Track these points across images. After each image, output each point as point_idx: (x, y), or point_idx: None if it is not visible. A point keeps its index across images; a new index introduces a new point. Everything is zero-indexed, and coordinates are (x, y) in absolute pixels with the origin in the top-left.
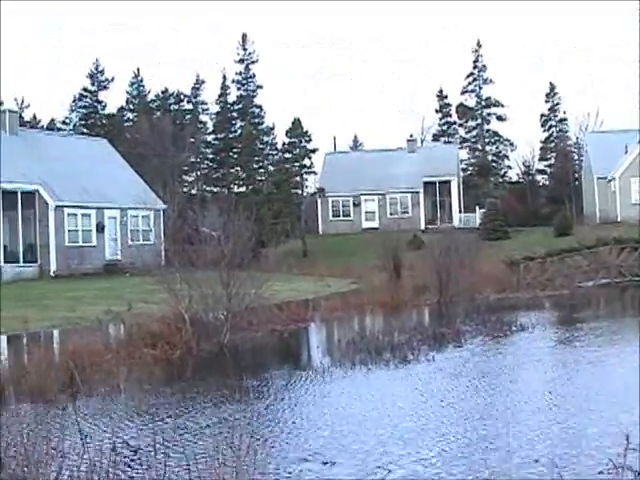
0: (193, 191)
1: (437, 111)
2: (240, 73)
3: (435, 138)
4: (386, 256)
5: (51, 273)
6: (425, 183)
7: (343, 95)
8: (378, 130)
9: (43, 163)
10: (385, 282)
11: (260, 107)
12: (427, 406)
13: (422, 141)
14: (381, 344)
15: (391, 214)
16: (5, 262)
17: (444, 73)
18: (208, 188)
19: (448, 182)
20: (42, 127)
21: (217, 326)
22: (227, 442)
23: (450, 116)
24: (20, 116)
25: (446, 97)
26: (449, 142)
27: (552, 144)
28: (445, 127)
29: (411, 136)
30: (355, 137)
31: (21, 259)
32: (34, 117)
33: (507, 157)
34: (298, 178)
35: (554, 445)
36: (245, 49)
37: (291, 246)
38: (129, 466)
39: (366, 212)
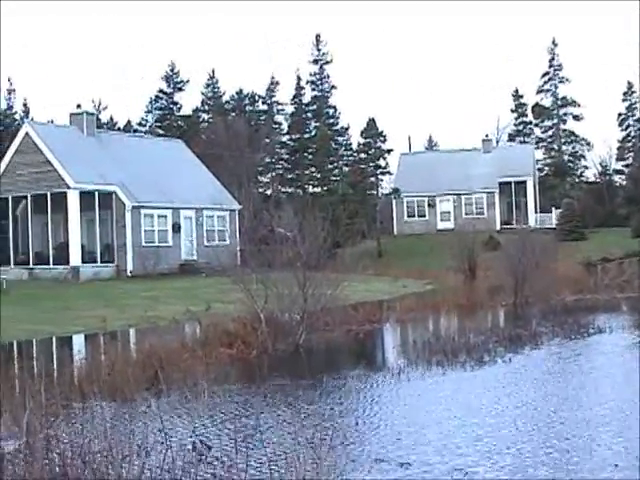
0: (268, 192)
1: (512, 111)
2: (314, 74)
3: (511, 138)
4: (461, 257)
5: (128, 273)
6: (501, 183)
7: (418, 95)
8: (453, 130)
9: (120, 164)
10: (460, 283)
11: (335, 107)
12: (504, 408)
13: (497, 141)
14: (457, 345)
15: (466, 214)
16: (83, 262)
17: (520, 72)
18: (283, 189)
19: (524, 182)
20: (119, 129)
21: (293, 326)
22: (307, 441)
23: (526, 116)
24: (97, 118)
25: (522, 97)
26: (525, 142)
27: (630, 143)
28: (521, 127)
29: (486, 136)
30: (430, 137)
31: (99, 259)
32: (111, 119)
33: (584, 157)
34: (373, 178)
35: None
36: (319, 49)
37: (366, 246)
38: (210, 464)
39: (441, 212)
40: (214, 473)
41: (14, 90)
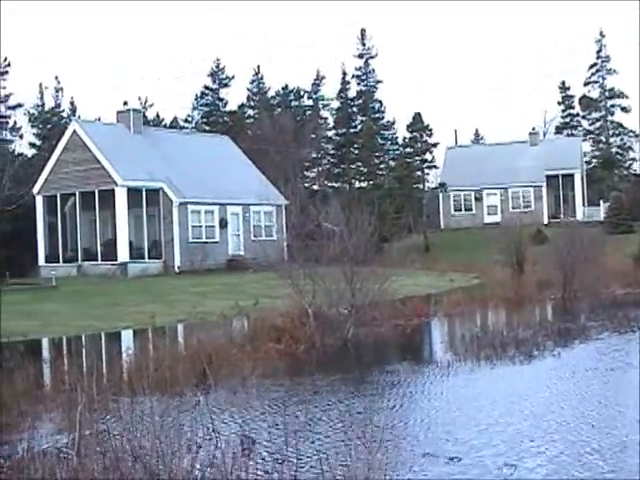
0: (315, 187)
1: (560, 103)
2: (360, 68)
3: (558, 131)
4: (509, 251)
5: (175, 269)
6: (548, 176)
7: (464, 88)
8: (500, 123)
9: (167, 161)
10: (508, 277)
11: (380, 102)
12: (553, 403)
13: (545, 134)
14: (505, 339)
15: (513, 208)
16: (131, 258)
17: (567, 64)
18: (329, 184)
19: (571, 175)
20: (165, 126)
21: (340, 321)
22: (357, 436)
23: (573, 108)
24: (144, 115)
25: (569, 89)
26: (572, 135)
27: None
28: (568, 119)
29: (533, 129)
30: (476, 131)
31: (146, 255)
32: (157, 116)
33: (632, 149)
34: (419, 172)
35: None
36: (364, 44)
37: (413, 241)
38: (261, 459)
39: (488, 206)
40: (265, 468)
41: (62, 89)
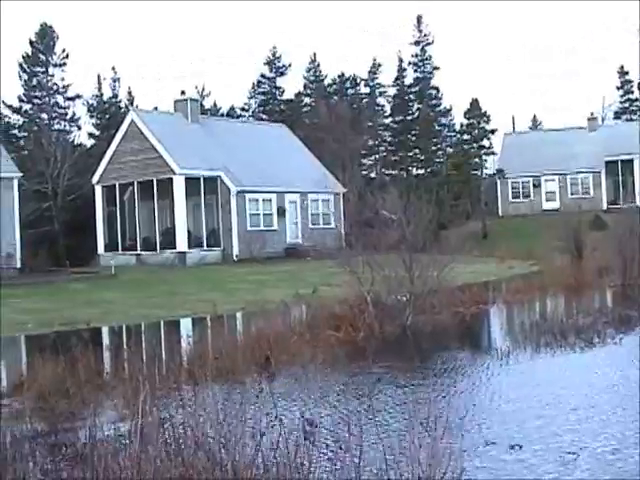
0: (372, 174)
1: (618, 88)
2: (416, 55)
3: (616, 116)
4: (567, 237)
5: (234, 257)
6: (607, 162)
7: (521, 74)
8: (558, 109)
9: (224, 149)
10: (567, 264)
11: (437, 89)
12: (615, 390)
13: (603, 119)
14: (565, 327)
15: (572, 194)
16: (189, 247)
17: (625, 49)
18: (387, 171)
19: (631, 161)
20: (222, 114)
21: (399, 308)
22: (420, 424)
23: (632, 93)
24: (201, 104)
25: (627, 73)
26: (631, 120)
27: None
28: (627, 104)
29: (592, 114)
30: (534, 117)
31: (205, 244)
32: (214, 105)
33: None
34: (477, 159)
35: None
36: (420, 31)
37: (471, 228)
38: (324, 446)
39: (546, 193)
40: (328, 456)
41: (119, 79)
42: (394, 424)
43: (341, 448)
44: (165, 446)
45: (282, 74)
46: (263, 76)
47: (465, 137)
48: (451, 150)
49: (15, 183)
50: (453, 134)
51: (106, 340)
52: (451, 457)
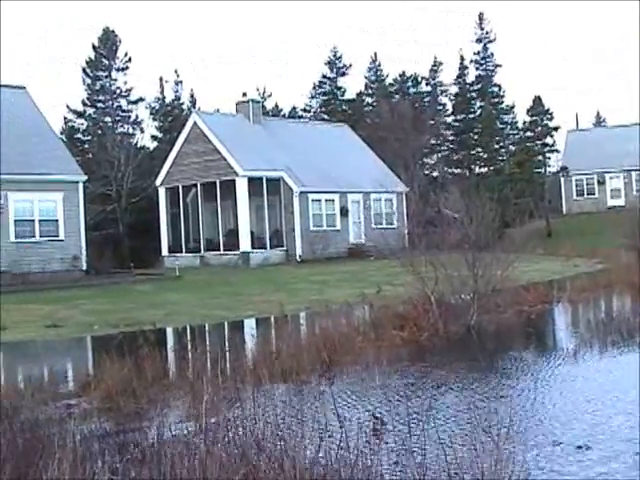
0: (434, 173)
1: None
2: (478, 52)
3: None
4: (633, 234)
5: (297, 257)
6: None
7: (584, 71)
8: (621, 105)
9: (286, 150)
10: (633, 261)
11: (499, 86)
12: None
13: None
14: (632, 325)
15: (637, 191)
16: (253, 248)
17: None
18: (449, 170)
19: None
20: (284, 115)
21: (463, 308)
22: (483, 424)
23: None
24: (263, 105)
25: None
26: None
27: None
28: None
29: None
30: (597, 113)
31: (268, 244)
32: (276, 106)
33: None
34: (540, 157)
35: None
36: (482, 28)
37: (535, 226)
38: (387, 447)
39: (611, 190)
40: (390, 456)
41: (181, 81)
42: (457, 424)
43: (405, 450)
44: (230, 446)
45: (343, 74)
46: (324, 76)
47: (528, 135)
48: (514, 148)
49: (80, 186)
50: (516, 132)
51: (171, 341)
52: (515, 460)
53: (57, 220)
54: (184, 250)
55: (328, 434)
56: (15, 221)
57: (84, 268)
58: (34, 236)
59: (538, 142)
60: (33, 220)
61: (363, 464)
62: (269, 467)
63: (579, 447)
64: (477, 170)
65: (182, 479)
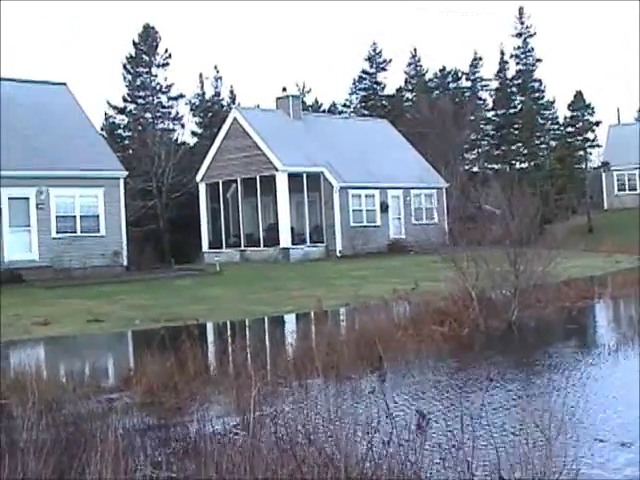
0: (475, 169)
1: None
2: (518, 47)
3: None
4: None
5: (337, 253)
6: None
7: (626, 64)
8: None
9: (326, 146)
10: None
11: (540, 81)
12: None
13: None
14: None
15: None
16: (293, 243)
17: None
18: (489, 165)
19: None
20: (324, 111)
21: (504, 303)
22: (533, 421)
23: None
24: (302, 101)
25: None
26: None
27: None
28: None
29: None
30: None
31: (308, 240)
32: (316, 101)
33: None
34: (581, 152)
35: None
36: (522, 22)
37: (576, 222)
38: (439, 445)
39: None
40: (441, 454)
41: (221, 77)
42: (506, 421)
43: (454, 446)
44: (276, 442)
45: (383, 69)
46: (364, 72)
47: (569, 130)
48: (555, 143)
49: (121, 182)
50: (556, 127)
51: (212, 336)
52: (566, 457)
53: (98, 216)
54: (224, 245)
55: (376, 429)
56: (57, 217)
57: (125, 264)
58: (75, 232)
59: (579, 137)
60: (74, 216)
61: (412, 459)
62: (318, 462)
63: (623, 444)
64: (518, 165)
65: (228, 473)
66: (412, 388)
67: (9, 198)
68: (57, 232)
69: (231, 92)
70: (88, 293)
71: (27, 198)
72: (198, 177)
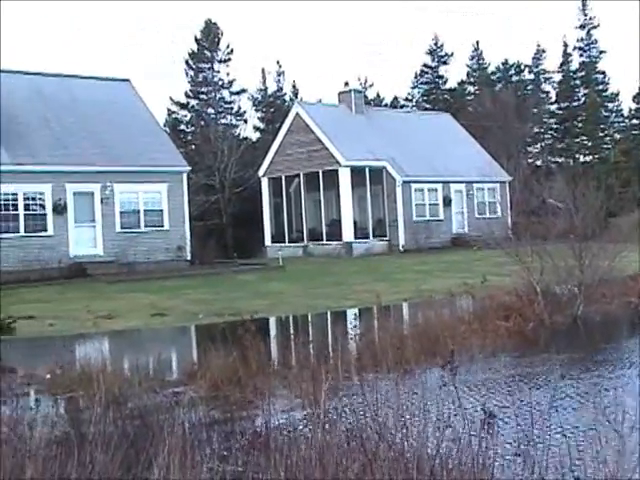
0: (538, 162)
1: None
2: (581, 39)
3: None
4: None
5: (400, 248)
6: None
7: None
8: None
9: (389, 140)
10: None
11: (604, 73)
12: None
13: None
14: None
15: None
16: (355, 238)
17: None
18: (553, 159)
19: None
20: (386, 105)
21: (569, 298)
22: (606, 418)
23: None
24: (364, 95)
25: None
26: None
27: None
28: None
29: None
30: None
31: (370, 234)
32: (377, 95)
33: None
34: None
35: None
36: (586, 14)
37: None
38: (509, 443)
39: None
40: (511, 449)
41: (283, 72)
42: (574, 418)
43: (527, 442)
44: (348, 434)
45: (445, 63)
46: (426, 65)
47: (634, 122)
48: (619, 136)
49: (184, 177)
50: (621, 120)
51: (275, 330)
52: None
53: (162, 211)
54: (287, 240)
55: (447, 424)
56: (121, 212)
57: (188, 258)
58: (139, 227)
59: None
60: (138, 211)
61: (482, 456)
62: (389, 457)
63: None
64: (581, 159)
65: (297, 468)
66: (479, 384)
67: (74, 193)
68: (121, 227)
69: (293, 87)
70: (152, 287)
71: (92, 193)
72: (260, 172)
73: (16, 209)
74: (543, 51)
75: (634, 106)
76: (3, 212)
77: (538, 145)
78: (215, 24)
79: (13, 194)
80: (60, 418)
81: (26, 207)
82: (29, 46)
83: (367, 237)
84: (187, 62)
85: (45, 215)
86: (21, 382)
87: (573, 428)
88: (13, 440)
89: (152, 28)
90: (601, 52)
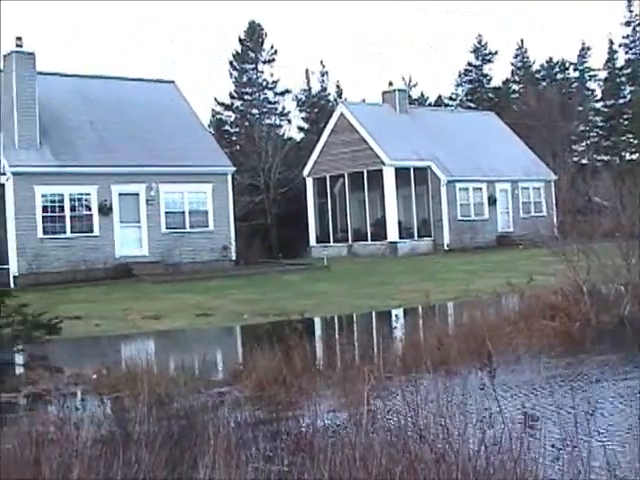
0: (583, 160)
1: None
2: (627, 36)
3: None
4: None
5: (445, 247)
6: None
7: None
8: None
9: (433, 139)
10: None
11: None
12: None
13: None
14: None
15: None
16: (400, 237)
17: None
18: (598, 157)
19: None
20: (430, 104)
21: (616, 298)
22: None
23: None
24: (408, 95)
25: None
26: None
27: None
28: None
29: None
30: None
31: (415, 234)
32: (421, 95)
33: None
34: None
35: None
36: (631, 11)
37: None
38: (553, 446)
39: None
40: (554, 453)
41: (327, 72)
42: (618, 419)
43: (573, 445)
44: (390, 435)
45: (489, 61)
46: (470, 64)
47: None
48: None
49: (229, 178)
50: None
51: (321, 330)
52: None
53: (207, 211)
54: (332, 240)
55: (489, 425)
56: (166, 213)
57: (233, 258)
58: (184, 227)
59: None
60: (183, 211)
61: (525, 458)
62: (430, 458)
63: None
64: (627, 157)
65: (341, 468)
66: (524, 384)
67: (119, 194)
68: (166, 227)
69: (337, 87)
70: (197, 287)
71: (137, 194)
72: (305, 172)
73: (62, 210)
74: (588, 48)
75: None
76: (50, 214)
77: (583, 143)
78: (259, 25)
79: (59, 195)
80: (106, 418)
81: (72, 208)
82: (74, 49)
83: (412, 237)
84: (231, 63)
85: (91, 216)
86: (68, 382)
87: (616, 430)
88: (60, 439)
89: (197, 30)
90: None
